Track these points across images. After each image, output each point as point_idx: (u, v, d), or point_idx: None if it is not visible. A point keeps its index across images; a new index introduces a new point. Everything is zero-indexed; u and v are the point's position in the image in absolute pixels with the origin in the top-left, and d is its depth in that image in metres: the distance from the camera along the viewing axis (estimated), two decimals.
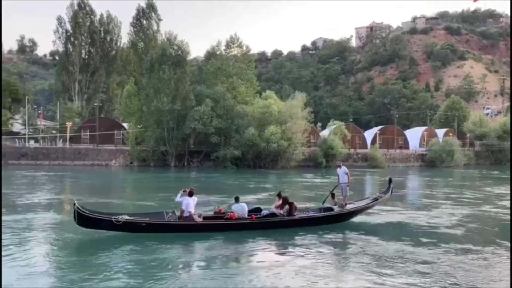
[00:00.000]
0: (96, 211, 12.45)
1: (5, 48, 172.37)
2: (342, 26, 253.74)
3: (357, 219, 14.91)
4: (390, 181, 15.41)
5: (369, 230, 13.94)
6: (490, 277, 9.23)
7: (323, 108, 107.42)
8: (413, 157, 62.55)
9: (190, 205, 12.57)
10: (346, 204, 14.73)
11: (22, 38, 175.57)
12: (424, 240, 12.71)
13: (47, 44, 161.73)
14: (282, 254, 11.31)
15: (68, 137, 55.06)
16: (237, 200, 13.36)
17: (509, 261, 10.13)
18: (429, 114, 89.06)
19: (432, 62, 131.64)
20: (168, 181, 33.90)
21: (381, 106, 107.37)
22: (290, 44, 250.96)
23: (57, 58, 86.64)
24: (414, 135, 71.08)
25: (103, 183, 32.53)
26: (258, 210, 13.89)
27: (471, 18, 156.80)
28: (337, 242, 12.50)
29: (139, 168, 47.05)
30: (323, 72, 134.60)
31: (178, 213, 12.84)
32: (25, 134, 56.26)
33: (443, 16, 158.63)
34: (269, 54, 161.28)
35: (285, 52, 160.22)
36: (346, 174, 15.38)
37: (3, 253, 10.43)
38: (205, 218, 12.96)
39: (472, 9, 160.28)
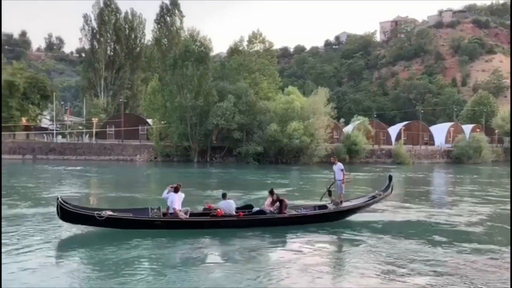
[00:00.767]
0: (79, 206, 12.33)
1: (34, 46, 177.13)
2: (366, 21, 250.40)
3: (358, 217, 14.46)
4: (390, 178, 14.91)
5: (367, 229, 13.41)
6: (503, 280, 8.79)
7: (346, 104, 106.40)
8: (438, 154, 61.32)
9: (175, 201, 12.20)
10: (341, 202, 14.32)
11: (50, 36, 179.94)
12: (438, 238, 12.29)
13: (73, 41, 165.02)
14: (265, 253, 10.83)
15: (94, 133, 56.25)
16: (224, 196, 12.91)
17: None
18: (455, 109, 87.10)
19: (459, 56, 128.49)
20: (191, 177, 34.24)
21: (406, 102, 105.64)
22: (313, 39, 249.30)
23: (83, 55, 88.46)
24: (440, 131, 69.63)
25: (127, 178, 33.14)
26: (249, 207, 13.53)
27: (501, 11, 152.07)
28: (329, 241, 12.11)
29: (163, 163, 47.67)
30: (347, 67, 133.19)
31: (164, 210, 12.52)
32: (53, 130, 57.77)
33: (470, 9, 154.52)
34: (291, 50, 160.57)
35: (308, 48, 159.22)
36: (342, 171, 14.80)
37: (19, 246, 10.67)
38: (193, 214, 12.63)
39: (501, 1, 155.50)
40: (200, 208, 13.87)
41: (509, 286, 8.33)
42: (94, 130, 56.40)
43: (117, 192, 21.73)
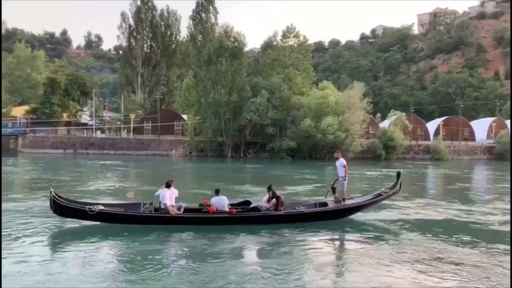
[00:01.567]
0: (72, 200, 12.39)
1: (74, 44, 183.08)
2: (403, 13, 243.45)
3: (367, 216, 14.00)
4: (398, 175, 14.20)
5: (371, 228, 12.85)
6: None
7: (382, 99, 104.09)
8: (479, 150, 59.06)
9: (166, 197, 12.07)
10: (344, 200, 13.82)
11: (89, 34, 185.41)
12: (461, 237, 11.68)
13: (111, 39, 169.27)
14: (254, 252, 10.39)
15: (131, 128, 57.69)
16: (217, 192, 12.62)
17: None
18: (498, 104, 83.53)
19: (503, 48, 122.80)
20: (225, 171, 34.55)
21: (445, 96, 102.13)
22: (348, 33, 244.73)
23: (120, 52, 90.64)
24: (481, 126, 66.96)
25: (163, 172, 33.70)
26: (247, 203, 13.18)
27: None
28: (324, 240, 11.55)
29: (197, 158, 48.32)
30: (383, 61, 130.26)
31: (158, 205, 12.36)
32: (92, 125, 59.68)
33: None
34: (326, 44, 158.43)
35: (343, 41, 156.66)
36: (344, 167, 14.18)
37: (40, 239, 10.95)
38: (187, 210, 12.44)
39: None
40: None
41: (509, 286, 8.01)
42: (131, 125, 57.84)
43: (152, 186, 22.13)
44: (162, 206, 12.07)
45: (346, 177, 14.11)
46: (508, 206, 16.86)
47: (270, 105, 46.96)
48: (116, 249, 10.38)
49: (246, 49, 56.04)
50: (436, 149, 53.74)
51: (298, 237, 11.57)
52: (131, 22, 75.16)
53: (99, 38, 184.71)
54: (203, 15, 67.11)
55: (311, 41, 59.92)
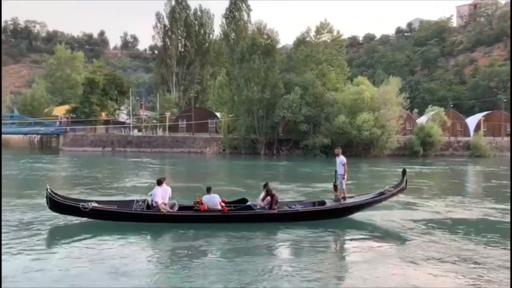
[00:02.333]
0: (66, 197, 12.49)
1: (111, 44, 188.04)
2: (441, 6, 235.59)
3: (365, 215, 13.51)
4: (403, 172, 13.49)
5: (372, 228, 12.39)
6: None
7: (419, 94, 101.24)
8: None
9: (157, 195, 12.12)
10: (343, 198, 13.37)
11: (125, 34, 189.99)
12: (491, 238, 11.05)
13: (147, 39, 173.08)
14: (242, 250, 10.08)
15: (167, 126, 58.77)
16: (208, 191, 12.51)
17: None
18: None
19: None
20: (258, 169, 34.60)
21: (486, 90, 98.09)
22: (383, 27, 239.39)
23: (156, 52, 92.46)
24: None
25: (197, 169, 34.21)
26: (243, 201, 12.93)
27: None
28: (316, 239, 11.12)
29: (230, 155, 48.63)
30: (420, 55, 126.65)
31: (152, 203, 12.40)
32: (129, 124, 61.16)
33: None
34: (360, 39, 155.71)
35: (378, 36, 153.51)
36: (343, 165, 13.71)
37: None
38: (181, 208, 12.39)
39: None
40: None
41: (509, 286, 7.79)
42: (167, 123, 58.93)
43: (186, 183, 22.47)
44: (154, 204, 12.13)
45: (345, 175, 13.69)
46: None
47: (303, 102, 46.62)
48: (103, 247, 10.28)
49: (279, 46, 55.80)
50: (477, 146, 51.79)
51: (289, 236, 11.30)
52: (166, 22, 76.44)
53: (135, 38, 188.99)
54: (236, 13, 67.31)
55: (345, 36, 58.90)
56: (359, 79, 50.40)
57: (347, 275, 8.64)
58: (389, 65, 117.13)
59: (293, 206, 12.91)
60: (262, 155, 48.08)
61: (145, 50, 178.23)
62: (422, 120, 57.38)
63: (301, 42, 53.60)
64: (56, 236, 11.61)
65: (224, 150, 51.25)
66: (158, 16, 76.78)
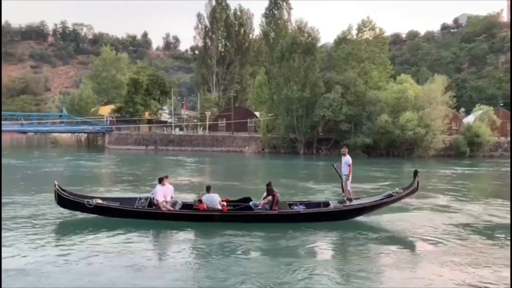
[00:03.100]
0: (73, 193, 12.84)
1: (154, 45, 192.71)
2: (490, 0, 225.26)
3: (368, 218, 12.95)
4: (415, 173, 12.84)
5: (380, 231, 11.86)
6: None
7: (466, 92, 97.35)
8: None
9: (157, 193, 12.36)
10: (349, 200, 12.91)
11: (167, 35, 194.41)
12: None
13: (188, 40, 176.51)
14: (236, 251, 10.00)
15: (207, 126, 59.52)
16: (208, 190, 12.56)
17: None
18: None
19: None
20: (296, 168, 34.31)
21: None
22: (427, 24, 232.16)
23: (196, 52, 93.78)
24: None
25: (236, 168, 34.43)
26: (247, 200, 12.88)
27: None
28: (314, 243, 10.84)
29: (269, 154, 48.55)
30: (467, 52, 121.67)
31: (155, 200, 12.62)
32: (171, 123, 62.44)
33: None
34: (403, 36, 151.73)
35: (422, 33, 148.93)
36: (349, 165, 13.27)
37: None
38: (185, 206, 12.50)
39: None
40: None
41: (509, 286, 7.71)
42: (207, 123, 59.68)
43: (224, 181, 22.62)
44: (155, 202, 12.38)
45: (350, 176, 13.30)
46: None
47: (344, 101, 45.85)
48: (101, 242, 10.56)
49: (319, 44, 55.12)
50: None
51: (282, 237, 11.08)
52: (207, 22, 77.39)
53: (176, 39, 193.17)
54: (276, 12, 67.26)
55: (387, 33, 57.34)
56: (403, 77, 49.00)
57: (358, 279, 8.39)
58: (434, 63, 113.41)
59: (295, 207, 12.76)
60: (301, 155, 47.68)
61: (186, 50, 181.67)
62: (469, 119, 55.17)
63: (342, 40, 52.70)
64: (75, 230, 11.91)
65: (263, 149, 51.26)
66: (199, 16, 77.97)
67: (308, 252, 10.16)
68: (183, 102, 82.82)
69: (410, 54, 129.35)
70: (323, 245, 10.84)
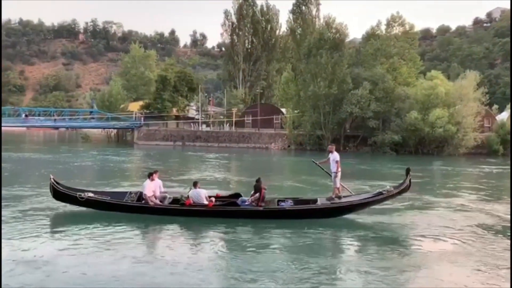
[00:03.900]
0: (67, 187, 13.17)
1: (181, 43, 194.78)
2: None
3: (369, 217, 12.74)
4: (407, 171, 12.60)
5: (367, 230, 11.73)
6: None
7: (500, 88, 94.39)
8: None
9: (145, 187, 12.65)
10: (338, 197, 12.71)
11: (195, 33, 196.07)
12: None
13: (215, 37, 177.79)
14: (219, 245, 10.17)
15: (233, 122, 59.82)
16: (194, 185, 12.78)
17: None
18: None
19: None
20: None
21: None
22: (459, 18, 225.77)
23: (223, 49, 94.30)
24: None
25: (261, 165, 34.54)
26: (237, 196, 13.06)
27: None
28: (296, 239, 10.83)
29: (296, 151, 48.39)
30: (501, 47, 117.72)
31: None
32: (198, 119, 63.08)
33: None
34: (434, 31, 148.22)
35: (453, 27, 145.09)
36: (336, 162, 13.06)
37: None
38: (173, 201, 12.76)
39: None
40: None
41: (509, 285, 7.68)
42: (233, 119, 59.97)
43: (248, 177, 22.66)
44: (144, 197, 12.70)
45: (338, 173, 13.08)
46: None
47: (373, 97, 45.19)
48: (86, 234, 10.92)
49: (347, 40, 54.43)
50: None
51: (273, 234, 11.16)
52: (234, 19, 77.60)
53: (203, 36, 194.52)
54: (303, 8, 66.82)
55: (417, 28, 56.04)
56: (433, 73, 47.87)
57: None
58: (465, 58, 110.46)
59: (282, 204, 12.76)
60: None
61: (213, 47, 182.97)
62: (502, 116, 53.41)
63: (371, 35, 51.88)
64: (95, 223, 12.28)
65: (289, 146, 51.13)
66: (226, 13, 78.20)
67: (291, 248, 10.16)
68: (210, 99, 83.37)
69: (441, 49, 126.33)
70: (308, 242, 10.76)
